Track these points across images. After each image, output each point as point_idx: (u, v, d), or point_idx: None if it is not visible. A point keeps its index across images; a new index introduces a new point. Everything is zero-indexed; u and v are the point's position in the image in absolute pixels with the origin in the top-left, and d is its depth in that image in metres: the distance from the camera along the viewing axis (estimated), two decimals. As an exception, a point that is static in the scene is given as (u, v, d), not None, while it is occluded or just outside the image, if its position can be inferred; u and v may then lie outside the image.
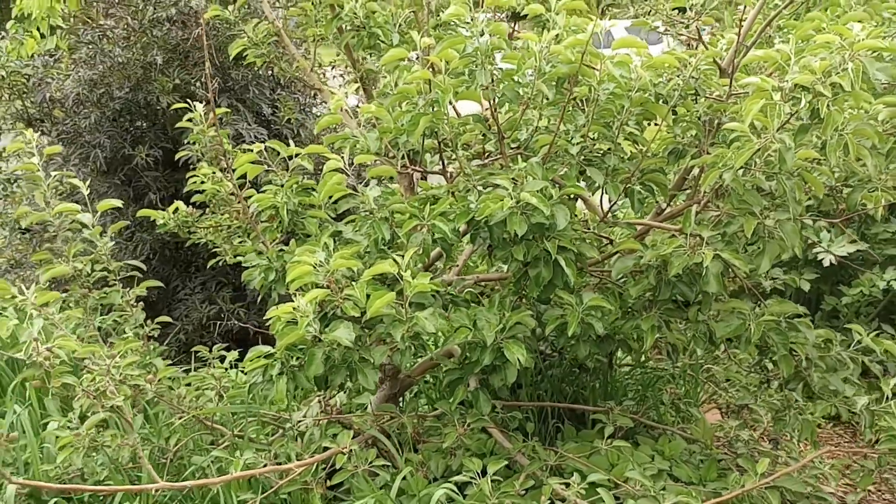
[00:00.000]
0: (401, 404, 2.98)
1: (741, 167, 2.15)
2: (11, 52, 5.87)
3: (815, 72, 1.93)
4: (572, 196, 2.44)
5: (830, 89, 1.90)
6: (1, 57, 4.63)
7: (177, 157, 3.23)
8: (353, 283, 2.23)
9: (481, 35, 2.27)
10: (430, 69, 2.29)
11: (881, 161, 2.36)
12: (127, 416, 2.03)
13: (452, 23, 2.55)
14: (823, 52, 1.99)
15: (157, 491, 2.02)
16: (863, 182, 2.43)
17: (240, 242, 2.98)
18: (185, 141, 4.13)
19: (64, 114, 4.33)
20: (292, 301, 2.17)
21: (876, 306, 4.54)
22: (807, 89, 1.94)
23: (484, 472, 2.38)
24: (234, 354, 3.35)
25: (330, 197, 2.60)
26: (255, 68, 4.37)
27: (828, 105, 1.91)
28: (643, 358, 3.29)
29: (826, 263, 4.23)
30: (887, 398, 2.39)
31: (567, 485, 2.23)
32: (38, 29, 6.40)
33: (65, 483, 2.47)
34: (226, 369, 3.28)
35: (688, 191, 2.75)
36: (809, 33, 2.18)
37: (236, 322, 4.22)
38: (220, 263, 3.10)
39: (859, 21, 2.13)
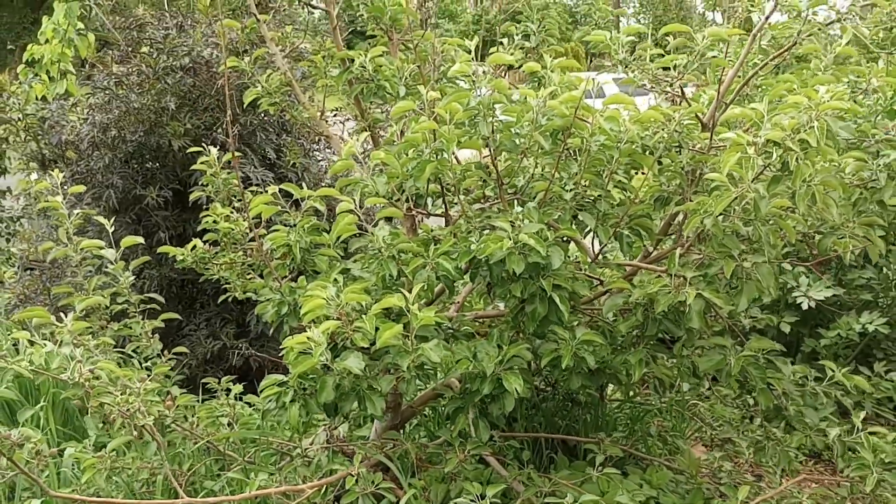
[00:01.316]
0: (401, 435, 3.13)
1: (720, 213, 2.36)
2: (19, 94, 6.08)
3: (785, 129, 2.15)
4: (566, 238, 2.64)
5: (799, 144, 2.11)
6: (18, 101, 4.82)
7: (191, 197, 3.42)
8: (363, 316, 2.40)
9: (482, 90, 2.48)
10: (436, 120, 2.50)
11: (848, 210, 2.58)
12: (157, 435, 2.18)
13: (456, 77, 2.77)
14: (793, 111, 2.20)
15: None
16: (833, 229, 2.63)
17: (249, 279, 3.16)
18: (194, 182, 4.35)
19: (77, 155, 4.52)
20: (302, 333, 2.33)
21: (853, 349, 4.74)
22: (778, 144, 2.15)
23: (482, 497, 2.53)
24: (238, 387, 3.50)
25: (339, 236, 2.78)
26: (261, 114, 4.59)
27: (797, 159, 2.12)
28: (632, 392, 3.45)
29: (805, 307, 4.43)
30: (858, 430, 2.57)
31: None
32: (47, 73, 6.62)
33: (83, 505, 2.60)
34: (249, 413, 3.42)
35: (673, 235, 2.95)
36: (782, 93, 2.41)
37: (245, 354, 4.36)
38: (225, 300, 3.25)
39: (827, 84, 2.36)
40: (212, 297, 4.67)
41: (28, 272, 5.12)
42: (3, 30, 27.96)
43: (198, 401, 3.46)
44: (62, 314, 2.20)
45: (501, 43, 3.25)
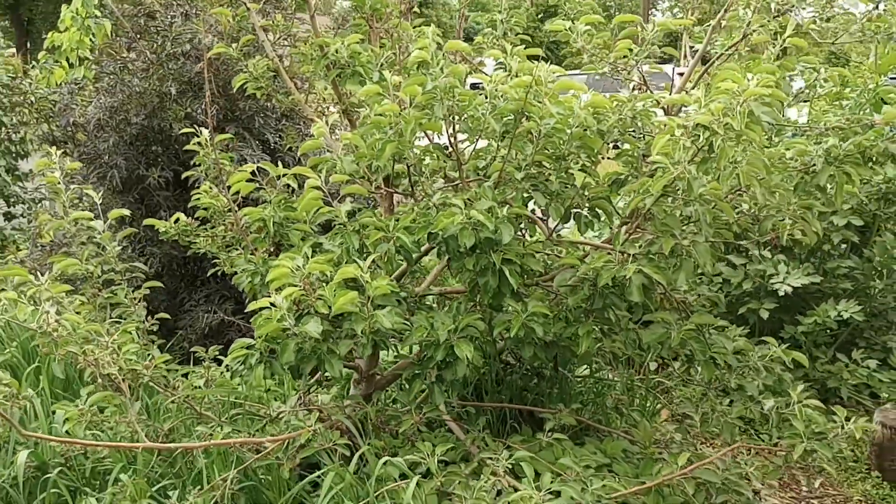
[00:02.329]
0: (370, 403, 3.31)
1: (660, 194, 2.50)
2: (41, 80, 6.36)
3: (714, 113, 2.29)
4: (519, 217, 2.79)
5: (724, 128, 2.25)
6: (31, 84, 5.07)
7: (183, 176, 3.62)
8: (325, 285, 2.59)
9: (440, 75, 2.64)
10: (399, 103, 2.67)
11: (789, 193, 2.71)
12: (124, 389, 2.38)
13: (422, 63, 2.94)
14: (723, 97, 2.34)
15: (142, 449, 2.35)
16: (777, 212, 2.77)
17: (237, 255, 3.36)
18: (194, 164, 4.55)
19: (86, 137, 4.75)
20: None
21: (836, 337, 4.84)
22: (706, 127, 2.29)
23: (432, 455, 2.70)
24: (229, 358, 3.71)
25: (315, 212, 2.96)
26: (261, 100, 4.79)
27: (721, 140, 2.26)
28: (598, 366, 3.61)
29: (781, 293, 4.55)
30: (793, 403, 2.70)
31: (497, 461, 2.55)
32: (67, 59, 6.90)
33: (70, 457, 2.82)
34: (222, 372, 3.63)
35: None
36: (724, 81, 2.55)
37: (242, 329, 4.57)
38: (223, 277, 3.45)
39: (769, 73, 2.49)
40: (212, 275, 4.89)
41: (42, 249, 5.38)
42: (39, 19, 28.57)
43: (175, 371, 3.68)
44: (39, 274, 2.40)
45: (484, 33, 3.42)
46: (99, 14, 6.34)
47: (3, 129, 7.05)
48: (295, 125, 4.99)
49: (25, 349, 3.73)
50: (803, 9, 2.72)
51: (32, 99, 4.90)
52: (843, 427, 2.59)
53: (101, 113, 4.50)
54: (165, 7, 5.00)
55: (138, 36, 4.81)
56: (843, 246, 4.97)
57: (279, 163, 3.18)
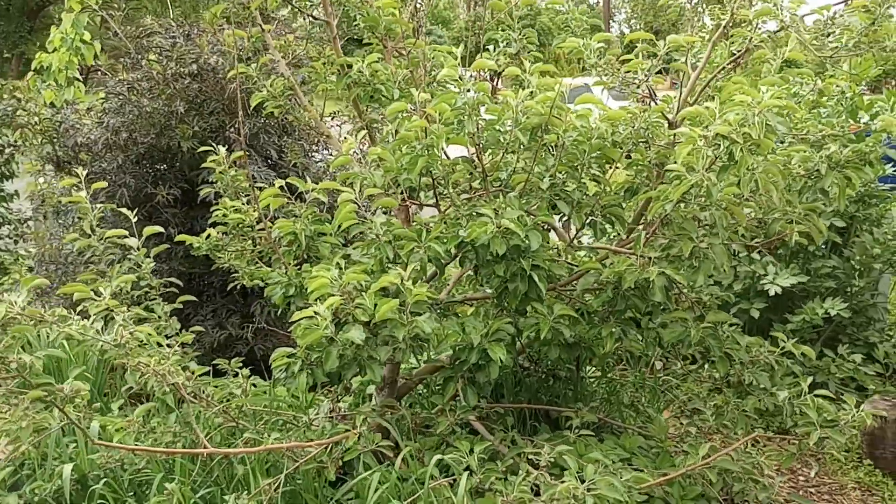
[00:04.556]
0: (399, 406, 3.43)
1: (679, 200, 2.68)
2: (36, 100, 6.39)
3: (732, 124, 2.46)
4: (545, 225, 2.95)
5: (742, 137, 2.43)
6: (35, 106, 5.12)
7: (202, 193, 3.72)
8: (363, 294, 2.71)
9: (468, 92, 2.79)
10: (427, 119, 2.82)
11: (795, 196, 2.89)
12: (185, 395, 2.47)
13: (445, 81, 3.08)
14: (739, 108, 2.52)
15: (206, 455, 2.44)
16: (783, 215, 2.95)
17: (257, 267, 3.46)
18: (201, 181, 4.65)
19: (91, 157, 4.82)
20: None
21: (820, 334, 5.07)
22: (725, 137, 2.47)
23: (471, 452, 2.83)
24: (245, 371, 3.80)
25: (340, 225, 3.08)
26: (264, 118, 4.90)
27: (741, 149, 2.43)
28: (607, 366, 3.77)
29: (772, 293, 4.76)
30: (805, 394, 2.88)
31: (539, 455, 2.69)
32: (55, 80, 6.93)
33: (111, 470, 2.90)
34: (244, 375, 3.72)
35: (642, 224, 3.27)
36: (733, 93, 2.73)
37: (250, 343, 4.65)
38: (229, 293, 3.54)
39: (771, 85, 2.68)
40: (217, 290, 4.97)
41: (44, 269, 5.40)
42: (0, 38, 28.21)
43: (208, 383, 3.77)
44: (95, 293, 2.49)
45: (488, 49, 3.58)
46: (90, 35, 6.39)
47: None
48: (297, 141, 5.10)
49: (48, 365, 3.78)
50: (803, 26, 2.92)
51: (36, 119, 4.95)
52: (852, 415, 2.77)
53: (108, 133, 4.57)
54: (165, 28, 5.09)
55: (140, 57, 4.89)
56: (825, 247, 5.20)
57: (285, 179, 3.30)
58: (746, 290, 5.03)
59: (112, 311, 2.48)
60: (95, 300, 2.44)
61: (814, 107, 5.32)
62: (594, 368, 3.90)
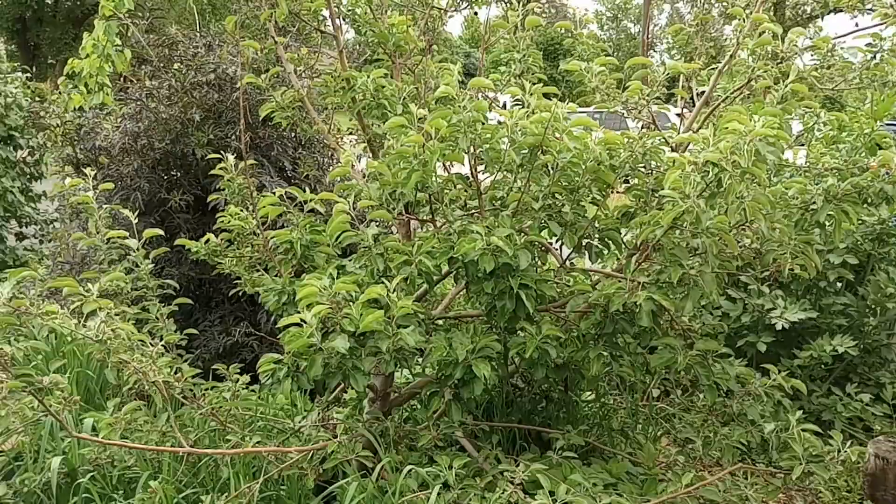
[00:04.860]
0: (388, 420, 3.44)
1: (670, 226, 2.67)
2: (59, 103, 6.54)
3: (723, 151, 2.46)
4: (537, 245, 2.96)
5: (731, 165, 2.42)
6: (57, 108, 5.25)
7: (208, 199, 3.78)
8: (351, 304, 2.73)
9: (464, 110, 2.82)
10: (424, 135, 2.85)
11: (790, 228, 2.87)
12: (165, 397, 2.51)
13: (447, 98, 3.11)
14: (731, 136, 2.51)
15: (184, 454, 2.47)
16: (779, 246, 2.93)
17: (258, 275, 3.51)
18: (214, 188, 4.72)
19: (109, 160, 4.92)
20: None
21: (831, 371, 4.99)
22: (715, 164, 2.47)
23: (451, 468, 2.83)
24: (246, 378, 3.84)
25: (337, 237, 3.11)
26: (280, 129, 4.97)
27: (729, 176, 2.43)
28: (602, 391, 3.75)
29: (779, 327, 4.70)
30: (791, 427, 2.84)
31: (513, 477, 2.68)
32: (85, 85, 7.09)
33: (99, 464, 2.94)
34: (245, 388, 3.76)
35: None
36: (729, 122, 2.73)
37: (255, 350, 4.70)
38: (238, 300, 3.60)
39: (772, 115, 2.67)
40: (226, 297, 5.03)
41: (59, 268, 5.51)
42: (46, 44, 28.95)
43: (203, 386, 3.81)
44: (84, 289, 2.54)
45: (495, 70, 3.61)
46: (120, 42, 6.53)
47: (20, 150, 7.23)
48: (311, 154, 5.17)
49: (47, 361, 3.85)
50: (803, 56, 2.91)
51: (59, 122, 5.07)
52: (839, 451, 2.73)
53: (126, 138, 4.67)
54: (189, 38, 5.20)
55: (162, 65, 5.00)
56: (839, 283, 5.14)
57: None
58: (755, 323, 4.97)
59: (102, 309, 2.53)
60: (84, 296, 2.49)
61: (832, 142, 5.30)
62: (590, 392, 3.88)
